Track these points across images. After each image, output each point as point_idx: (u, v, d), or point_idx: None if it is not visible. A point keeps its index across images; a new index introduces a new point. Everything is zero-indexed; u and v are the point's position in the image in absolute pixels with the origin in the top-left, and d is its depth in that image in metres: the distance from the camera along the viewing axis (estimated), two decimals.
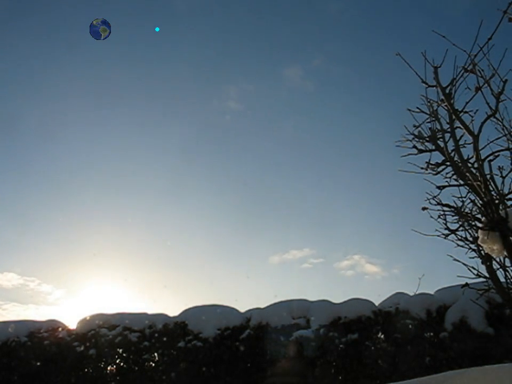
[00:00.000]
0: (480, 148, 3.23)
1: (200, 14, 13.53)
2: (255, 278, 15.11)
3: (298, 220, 16.33)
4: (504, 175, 3.54)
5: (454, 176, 3.67)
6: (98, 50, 13.43)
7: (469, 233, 4.01)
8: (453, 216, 3.96)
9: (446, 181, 3.79)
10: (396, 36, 13.64)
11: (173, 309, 10.88)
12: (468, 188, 3.53)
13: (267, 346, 7.11)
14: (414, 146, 3.95)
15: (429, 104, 3.70)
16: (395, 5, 12.88)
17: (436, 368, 6.01)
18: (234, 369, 7.14)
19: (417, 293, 5.93)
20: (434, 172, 3.80)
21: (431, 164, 3.80)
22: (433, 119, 3.74)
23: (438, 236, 4.01)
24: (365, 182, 16.26)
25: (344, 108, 15.72)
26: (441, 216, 4.01)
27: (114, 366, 7.67)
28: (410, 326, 6.75)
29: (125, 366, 7.59)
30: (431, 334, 6.65)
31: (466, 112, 3.40)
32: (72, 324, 8.15)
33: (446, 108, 3.44)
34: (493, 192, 3.24)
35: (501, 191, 3.38)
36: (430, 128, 3.84)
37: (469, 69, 3.23)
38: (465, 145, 3.54)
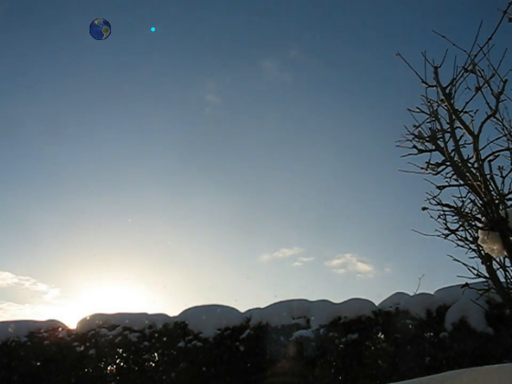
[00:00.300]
0: (480, 148, 3.23)
1: (175, 5, 13.37)
2: (247, 277, 15.15)
3: (286, 218, 16.31)
4: (504, 175, 3.54)
5: (454, 176, 3.67)
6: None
7: (469, 233, 4.01)
8: (453, 216, 3.96)
9: (446, 181, 3.79)
10: (395, 36, 13.65)
11: (173, 309, 10.87)
12: (467, 188, 3.53)
13: (267, 346, 7.11)
14: (414, 146, 3.95)
15: (429, 104, 3.70)
16: (395, 5, 12.88)
17: (436, 368, 6.01)
18: (234, 369, 7.14)
19: (417, 293, 5.93)
20: (434, 172, 3.80)
21: (431, 164, 3.80)
22: (433, 119, 3.74)
23: (438, 236, 4.01)
24: (364, 182, 16.27)
25: (329, 101, 15.53)
26: (441, 216, 4.01)
27: (114, 366, 7.68)
28: (410, 326, 6.75)
29: (125, 366, 7.60)
30: (431, 334, 6.65)
31: (466, 112, 3.40)
32: (72, 323, 8.17)
33: (446, 108, 3.44)
34: (493, 192, 3.24)
35: (501, 191, 3.38)
36: (430, 128, 3.84)
37: (469, 69, 3.22)
38: (465, 145, 3.54)
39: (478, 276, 3.88)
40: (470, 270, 3.91)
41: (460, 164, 3.43)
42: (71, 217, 15.30)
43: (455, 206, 3.87)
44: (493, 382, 2.28)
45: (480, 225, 3.24)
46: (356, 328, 6.93)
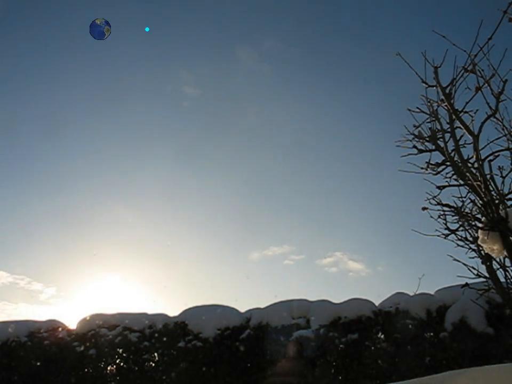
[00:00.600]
0: (480, 148, 3.23)
1: None
2: (239, 275, 15.12)
3: (275, 216, 16.27)
4: (504, 175, 3.54)
5: (454, 176, 3.67)
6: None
7: (469, 233, 4.01)
8: (453, 216, 3.96)
9: (446, 181, 3.79)
10: (396, 35, 13.64)
11: (173, 309, 10.88)
12: (468, 188, 3.53)
13: (267, 346, 7.11)
14: (414, 146, 3.95)
15: (429, 104, 3.70)
16: (395, 5, 12.88)
17: (436, 368, 6.01)
18: (234, 369, 7.14)
19: (417, 293, 5.94)
20: (434, 172, 3.80)
21: (431, 164, 3.80)
22: (433, 119, 3.74)
23: (438, 236, 4.01)
24: (362, 182, 16.25)
25: (313, 94, 15.23)
26: (441, 216, 4.01)
27: (114, 366, 7.68)
28: (410, 326, 6.75)
29: (125, 366, 7.59)
30: (431, 334, 6.65)
31: (466, 112, 3.40)
32: (72, 323, 8.17)
33: (446, 108, 3.44)
34: (493, 192, 3.24)
35: (501, 191, 3.38)
36: (430, 128, 3.84)
37: (469, 69, 3.23)
38: (465, 145, 3.54)
39: (478, 276, 3.88)
40: (470, 270, 3.91)
41: (460, 164, 3.43)
42: (68, 216, 15.29)
43: (455, 206, 3.86)
44: (493, 382, 2.28)
45: (480, 225, 3.24)
46: (356, 328, 6.93)
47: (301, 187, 16.62)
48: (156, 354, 7.61)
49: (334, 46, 14.36)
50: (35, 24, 13.23)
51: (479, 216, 3.51)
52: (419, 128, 3.90)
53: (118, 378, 7.52)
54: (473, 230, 3.88)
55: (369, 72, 14.43)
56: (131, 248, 15.62)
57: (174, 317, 7.83)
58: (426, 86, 3.54)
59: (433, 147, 3.82)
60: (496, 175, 3.48)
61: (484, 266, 3.77)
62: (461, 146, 3.51)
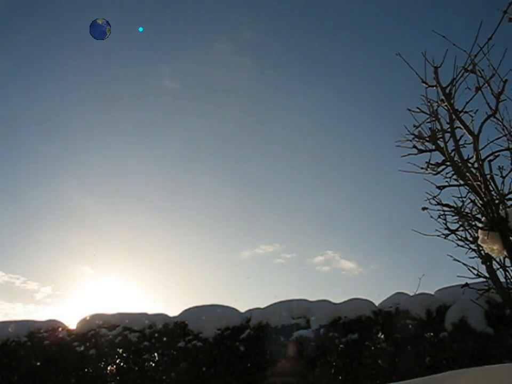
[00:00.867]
0: (480, 148, 3.22)
1: None
2: (229, 273, 15.07)
3: (264, 214, 16.20)
4: (504, 175, 3.54)
5: (454, 176, 3.67)
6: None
7: (469, 233, 4.01)
8: (453, 216, 3.96)
9: (446, 181, 3.79)
10: (396, 36, 13.63)
11: (173, 309, 10.88)
12: (468, 188, 3.53)
13: (267, 346, 7.11)
14: (414, 146, 3.95)
15: (429, 104, 3.70)
16: (395, 5, 12.87)
17: (436, 368, 6.01)
18: (234, 369, 7.14)
19: (417, 293, 5.93)
20: (434, 172, 3.80)
21: (431, 164, 3.80)
22: (433, 119, 3.74)
23: (438, 236, 4.01)
24: (363, 181, 16.24)
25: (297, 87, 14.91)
26: (441, 216, 4.02)
27: (114, 366, 7.68)
28: (410, 326, 6.75)
29: (125, 366, 7.59)
30: (431, 334, 6.66)
31: (466, 112, 3.40)
32: (72, 323, 8.17)
33: (446, 108, 3.44)
34: (493, 192, 3.24)
35: (501, 191, 3.38)
36: (430, 128, 3.83)
37: (469, 69, 3.23)
38: (465, 145, 3.54)
39: (478, 276, 3.88)
40: (470, 270, 3.91)
41: (460, 164, 3.43)
42: (65, 215, 15.27)
43: (455, 206, 3.87)
44: (493, 382, 2.28)
45: (480, 225, 3.24)
46: (356, 328, 6.93)
47: (291, 185, 16.59)
48: (156, 354, 7.61)
49: (328, 40, 14.14)
50: (35, 25, 13.18)
51: (479, 216, 3.52)
52: (419, 128, 3.90)
53: (118, 378, 7.52)
54: (473, 230, 3.89)
55: (369, 72, 14.43)
56: (131, 248, 15.64)
57: (174, 317, 7.83)
58: (426, 86, 3.54)
59: (433, 147, 3.81)
60: (496, 175, 3.49)
61: (484, 266, 3.77)
62: (461, 146, 3.51)
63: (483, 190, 3.10)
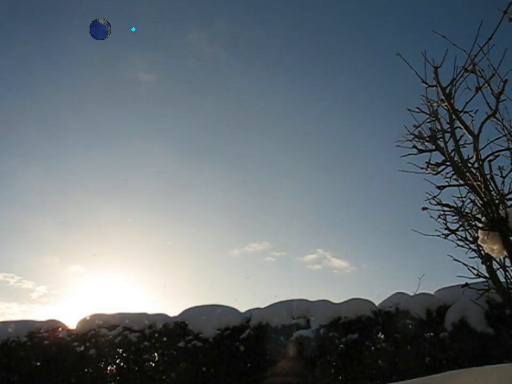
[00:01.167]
0: (480, 148, 3.22)
1: None
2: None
3: (252, 212, 16.15)
4: (504, 175, 3.53)
5: (454, 176, 3.67)
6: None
7: (469, 233, 4.00)
8: (453, 216, 3.95)
9: (446, 181, 3.78)
10: (396, 36, 13.63)
11: (173, 309, 10.88)
12: (468, 188, 3.52)
13: (267, 346, 7.11)
14: (414, 146, 3.94)
15: (429, 104, 3.70)
16: (395, 5, 12.87)
17: (436, 368, 6.01)
18: (234, 369, 7.14)
19: (417, 293, 5.92)
20: (434, 172, 3.80)
21: (431, 164, 3.80)
22: (433, 119, 3.74)
23: (438, 236, 4.00)
24: (362, 181, 16.22)
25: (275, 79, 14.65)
26: (441, 216, 4.01)
27: (114, 366, 7.68)
28: (410, 326, 6.75)
29: (125, 366, 7.60)
30: (431, 334, 6.66)
31: (466, 112, 3.39)
32: (72, 323, 8.17)
33: (446, 108, 3.43)
34: (493, 192, 3.24)
35: (501, 191, 3.38)
36: (430, 128, 3.83)
37: (469, 69, 3.22)
38: (465, 145, 3.54)
39: (478, 276, 3.87)
40: (470, 270, 3.90)
41: (460, 164, 3.43)
42: (64, 215, 15.24)
43: (455, 206, 3.86)
44: (493, 382, 2.28)
45: (480, 225, 3.24)
46: (356, 328, 6.93)
47: (280, 183, 16.51)
48: (155, 354, 7.62)
49: (322, 31, 13.89)
50: (35, 24, 13.14)
51: (479, 216, 3.51)
52: (419, 128, 3.89)
53: (118, 378, 7.53)
54: (473, 230, 3.88)
55: (370, 71, 14.42)
56: (131, 248, 15.64)
57: (174, 317, 7.83)
58: (426, 86, 3.54)
59: (433, 147, 3.81)
60: (496, 175, 3.48)
61: (484, 266, 3.77)
62: (461, 146, 3.51)
63: (483, 190, 3.09)
